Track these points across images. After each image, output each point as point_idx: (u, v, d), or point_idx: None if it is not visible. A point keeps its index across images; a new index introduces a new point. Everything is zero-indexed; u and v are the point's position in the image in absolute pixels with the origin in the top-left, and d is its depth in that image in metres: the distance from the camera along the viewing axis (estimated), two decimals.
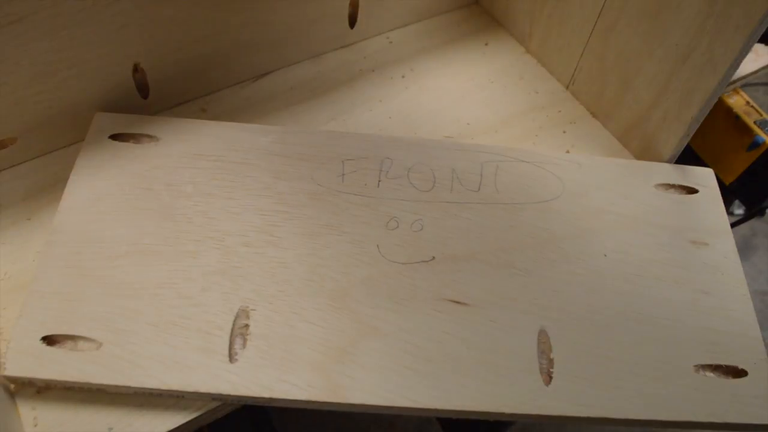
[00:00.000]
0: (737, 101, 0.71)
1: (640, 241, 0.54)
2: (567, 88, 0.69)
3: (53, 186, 0.55)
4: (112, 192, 0.52)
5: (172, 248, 0.50)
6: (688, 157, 0.62)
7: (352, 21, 0.68)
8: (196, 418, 0.44)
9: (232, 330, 0.46)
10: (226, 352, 0.45)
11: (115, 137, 0.56)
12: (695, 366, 0.48)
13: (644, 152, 0.62)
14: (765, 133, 0.70)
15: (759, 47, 0.72)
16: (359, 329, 0.47)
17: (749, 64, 0.71)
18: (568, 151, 0.63)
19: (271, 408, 0.90)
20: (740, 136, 0.71)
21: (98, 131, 0.56)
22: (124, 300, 0.46)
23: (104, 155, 0.55)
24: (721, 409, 0.46)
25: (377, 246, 0.51)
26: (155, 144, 0.56)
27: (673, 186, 0.59)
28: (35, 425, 0.43)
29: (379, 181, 0.55)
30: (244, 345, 0.45)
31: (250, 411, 0.76)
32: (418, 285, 0.50)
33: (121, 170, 0.54)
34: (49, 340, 0.44)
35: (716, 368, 0.48)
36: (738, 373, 0.48)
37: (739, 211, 1.12)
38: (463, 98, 0.67)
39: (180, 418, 0.44)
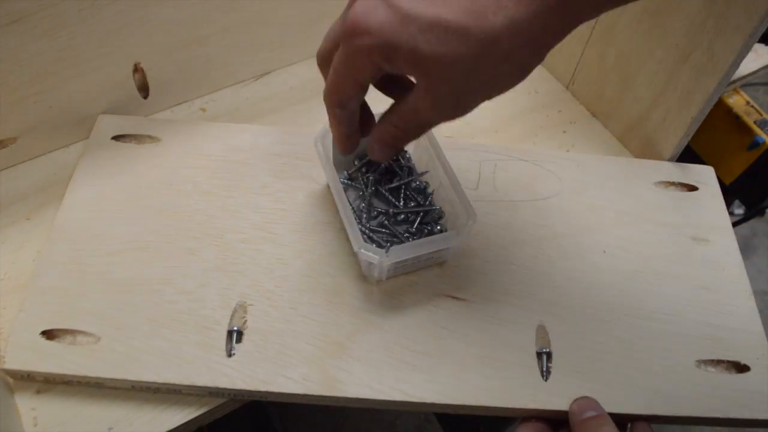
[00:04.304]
0: (737, 101, 0.71)
1: (639, 237, 0.54)
2: (567, 88, 0.69)
3: (53, 186, 0.56)
4: (113, 190, 0.53)
5: (172, 245, 0.50)
6: (688, 157, 0.62)
7: None
8: (195, 418, 0.44)
9: (230, 325, 0.46)
10: (224, 346, 0.45)
11: (117, 138, 0.57)
12: (697, 361, 0.48)
13: (644, 152, 0.62)
14: (765, 133, 0.70)
15: (759, 47, 0.72)
16: (356, 324, 0.47)
17: (749, 64, 0.71)
18: (568, 151, 0.63)
19: (271, 408, 0.90)
20: (740, 136, 0.71)
21: (101, 132, 0.57)
22: (123, 295, 0.47)
23: (107, 155, 0.55)
24: (724, 404, 0.46)
25: None
26: (156, 144, 0.56)
27: (673, 183, 0.59)
28: (35, 425, 0.43)
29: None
30: (241, 339, 0.45)
31: (251, 411, 0.76)
32: (416, 281, 0.50)
33: (123, 170, 0.54)
34: (49, 334, 0.44)
35: (718, 363, 0.48)
36: (740, 368, 0.48)
37: (739, 211, 1.12)
38: None
39: (179, 418, 0.44)
